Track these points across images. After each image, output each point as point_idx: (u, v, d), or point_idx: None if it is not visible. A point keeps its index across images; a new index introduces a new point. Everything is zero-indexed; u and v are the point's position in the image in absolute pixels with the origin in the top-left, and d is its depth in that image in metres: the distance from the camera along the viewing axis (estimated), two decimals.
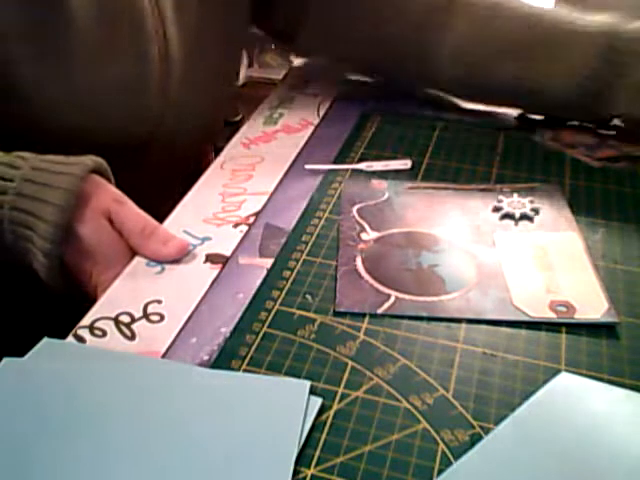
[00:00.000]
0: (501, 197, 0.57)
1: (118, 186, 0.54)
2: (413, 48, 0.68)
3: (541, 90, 0.64)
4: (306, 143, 0.66)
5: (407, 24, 0.68)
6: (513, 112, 0.71)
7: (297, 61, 0.84)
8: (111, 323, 0.46)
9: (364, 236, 0.53)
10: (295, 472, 0.36)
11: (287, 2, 0.72)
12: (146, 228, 0.51)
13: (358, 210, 0.56)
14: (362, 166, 0.62)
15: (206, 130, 0.74)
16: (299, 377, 0.42)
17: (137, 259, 0.51)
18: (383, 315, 0.46)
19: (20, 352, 0.43)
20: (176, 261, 0.51)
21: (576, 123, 0.68)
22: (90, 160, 0.51)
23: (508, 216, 0.55)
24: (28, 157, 0.51)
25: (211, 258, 0.51)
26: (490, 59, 0.66)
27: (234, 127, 0.72)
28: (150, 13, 0.60)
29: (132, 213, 0.52)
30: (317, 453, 0.37)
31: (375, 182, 0.60)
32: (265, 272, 0.50)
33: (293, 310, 0.47)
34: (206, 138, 0.76)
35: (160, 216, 0.55)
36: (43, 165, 0.50)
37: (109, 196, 0.52)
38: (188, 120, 0.67)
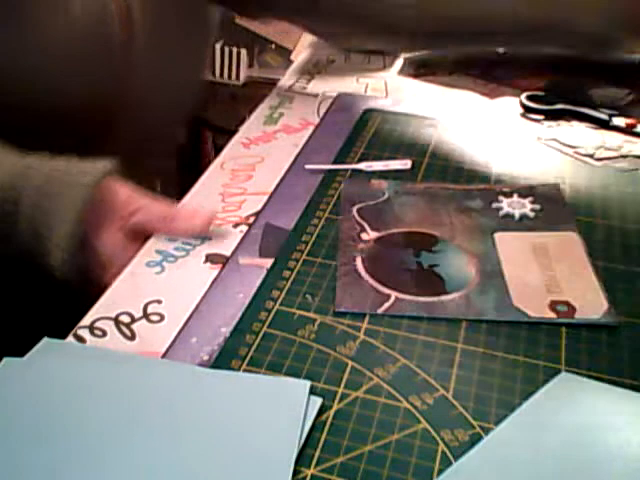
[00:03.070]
0: (501, 197, 0.57)
1: None
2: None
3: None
4: (306, 143, 0.66)
5: None
6: (514, 111, 0.71)
7: (297, 61, 0.84)
8: (111, 323, 0.46)
9: (364, 236, 0.53)
10: (295, 472, 0.36)
11: None
12: (167, 215, 0.53)
13: (358, 210, 0.56)
14: (362, 166, 0.62)
15: (174, 107, 0.72)
16: (299, 377, 0.42)
17: (137, 259, 0.51)
18: (383, 315, 0.46)
19: (20, 352, 0.43)
20: (176, 261, 0.51)
21: (576, 123, 0.68)
22: (101, 166, 0.51)
23: (508, 216, 0.55)
24: (38, 167, 0.51)
25: (211, 258, 0.51)
26: None
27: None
28: None
29: (148, 206, 0.53)
30: (317, 453, 0.37)
31: (375, 182, 0.60)
32: (265, 272, 0.50)
33: (293, 310, 0.47)
34: (174, 116, 0.74)
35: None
36: (55, 174, 0.50)
37: (122, 198, 0.52)
38: (154, 92, 0.65)
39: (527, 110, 0.71)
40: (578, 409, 0.39)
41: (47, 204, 0.49)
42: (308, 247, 0.52)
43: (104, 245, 0.51)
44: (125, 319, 0.46)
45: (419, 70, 0.81)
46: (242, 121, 0.71)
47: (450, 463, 0.37)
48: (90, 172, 0.51)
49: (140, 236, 0.54)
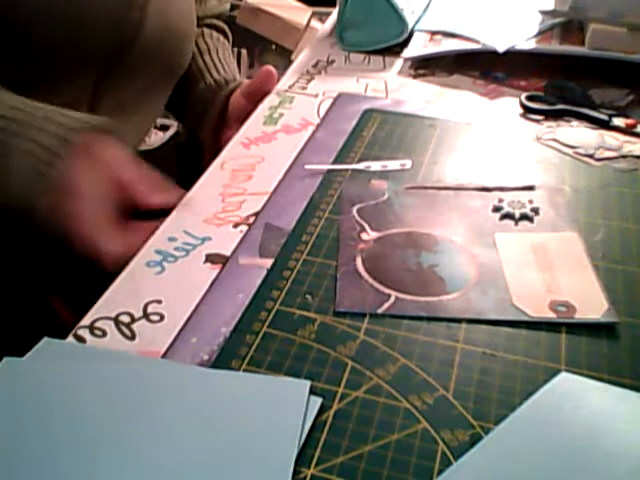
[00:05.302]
0: (501, 197, 0.57)
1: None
2: None
3: None
4: (306, 143, 0.66)
5: None
6: (513, 112, 0.71)
7: (297, 61, 0.84)
8: (111, 323, 0.46)
9: (364, 236, 0.53)
10: (295, 472, 0.36)
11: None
12: (145, 178, 0.57)
13: (358, 210, 0.56)
14: (362, 166, 0.62)
15: (183, 33, 0.76)
16: (299, 377, 0.42)
17: (137, 259, 0.51)
18: (383, 315, 0.46)
19: (20, 352, 0.43)
20: (176, 261, 0.51)
21: (576, 123, 0.68)
22: (95, 120, 0.57)
23: (508, 216, 0.55)
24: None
25: (211, 258, 0.51)
26: None
27: None
28: None
29: (133, 166, 0.56)
30: (317, 453, 0.37)
31: (375, 182, 0.60)
32: (265, 272, 0.50)
33: (293, 310, 0.47)
34: (184, 43, 0.77)
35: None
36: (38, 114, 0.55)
37: (111, 150, 0.56)
38: (166, 24, 0.70)
39: (527, 110, 0.71)
40: (578, 409, 0.39)
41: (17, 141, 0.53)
42: (308, 247, 0.52)
43: (79, 175, 0.54)
44: (125, 319, 0.46)
45: (419, 70, 0.81)
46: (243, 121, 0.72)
47: (450, 463, 0.37)
48: (83, 120, 0.55)
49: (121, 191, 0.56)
